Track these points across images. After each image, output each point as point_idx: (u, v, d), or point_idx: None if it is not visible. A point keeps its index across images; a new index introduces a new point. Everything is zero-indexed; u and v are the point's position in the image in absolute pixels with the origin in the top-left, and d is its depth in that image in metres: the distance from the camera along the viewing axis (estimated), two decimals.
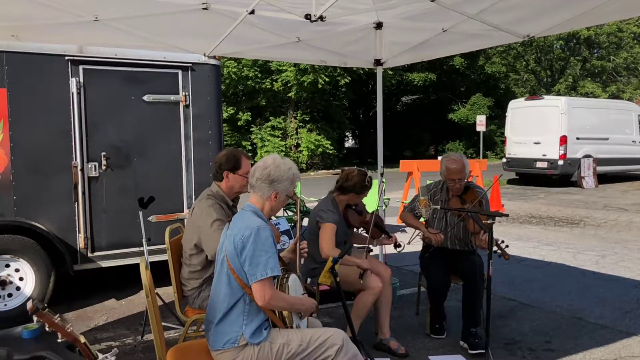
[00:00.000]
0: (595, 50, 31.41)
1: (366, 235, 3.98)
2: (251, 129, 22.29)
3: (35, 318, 1.60)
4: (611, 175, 16.67)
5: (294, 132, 22.92)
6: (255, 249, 2.32)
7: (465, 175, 3.92)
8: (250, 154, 20.93)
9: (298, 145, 22.67)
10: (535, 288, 5.39)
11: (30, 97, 4.53)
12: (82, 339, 1.70)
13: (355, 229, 4.14)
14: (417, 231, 4.18)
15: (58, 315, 1.65)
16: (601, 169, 15.52)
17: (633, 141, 16.45)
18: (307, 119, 23.10)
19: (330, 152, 22.89)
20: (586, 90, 29.02)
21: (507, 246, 3.48)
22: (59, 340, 1.69)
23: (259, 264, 2.31)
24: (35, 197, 4.58)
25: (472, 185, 4.09)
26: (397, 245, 3.95)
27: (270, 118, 22.58)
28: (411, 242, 4.29)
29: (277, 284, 2.44)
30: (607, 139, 15.63)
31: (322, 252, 3.65)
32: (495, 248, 3.49)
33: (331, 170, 22.26)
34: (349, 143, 34.08)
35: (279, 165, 2.50)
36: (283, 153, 21.57)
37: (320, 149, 22.29)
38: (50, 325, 1.60)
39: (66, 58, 4.64)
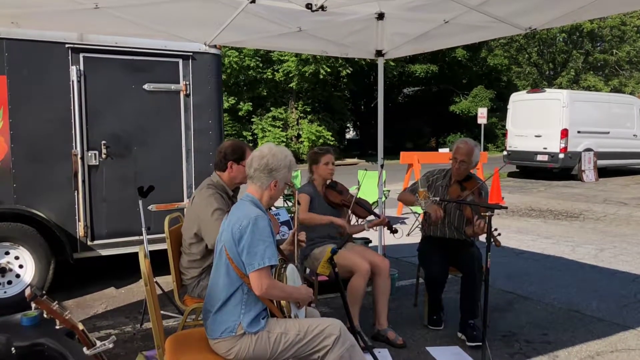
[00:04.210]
0: (598, 44, 31.28)
1: (357, 216, 4.12)
2: (252, 119, 22.27)
3: (33, 305, 1.60)
4: (612, 169, 16.67)
5: (295, 122, 22.89)
6: (253, 238, 2.32)
7: (471, 160, 3.95)
8: (250, 145, 20.88)
9: (299, 136, 22.65)
10: (533, 281, 5.40)
11: (30, 85, 4.52)
12: (80, 326, 1.71)
13: (346, 210, 4.17)
14: (416, 222, 4.19)
15: (56, 302, 1.66)
16: (602, 162, 15.51)
17: (634, 135, 16.42)
18: (309, 109, 23.06)
19: (331, 143, 22.86)
20: (588, 83, 28.93)
21: (499, 234, 3.51)
22: (58, 328, 1.70)
23: (257, 253, 2.31)
24: (35, 185, 4.58)
25: (474, 176, 4.12)
26: (392, 230, 3.98)
27: (272, 108, 22.54)
28: (410, 233, 4.32)
29: (275, 274, 2.44)
30: (608, 132, 15.60)
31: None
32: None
33: None
34: (350, 134, 34.04)
35: (276, 154, 2.49)
36: (284, 144, 21.56)
37: (321, 140, 22.27)
38: (48, 312, 1.61)
39: (66, 46, 4.63)
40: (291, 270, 2.55)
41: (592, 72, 30.89)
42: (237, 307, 2.39)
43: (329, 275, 3.55)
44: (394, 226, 3.99)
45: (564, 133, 14.57)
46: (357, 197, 4.05)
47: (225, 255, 2.39)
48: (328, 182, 4.15)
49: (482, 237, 3.63)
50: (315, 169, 4.09)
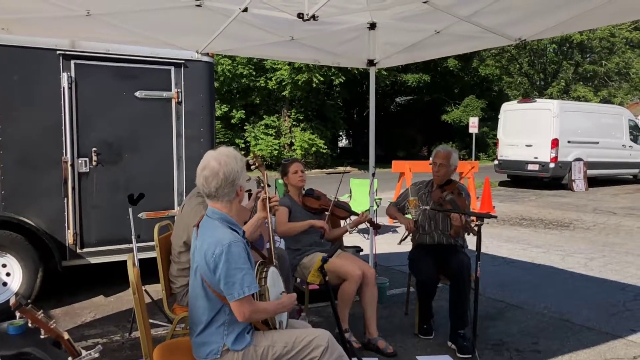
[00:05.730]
0: (588, 55, 31.62)
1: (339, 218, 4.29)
2: (245, 127, 22.26)
3: (18, 314, 1.58)
4: (601, 179, 16.80)
5: (288, 130, 22.90)
6: (229, 267, 2.20)
7: (449, 164, 4.10)
8: (243, 153, 20.88)
9: (292, 144, 22.65)
10: (523, 290, 5.42)
11: (20, 91, 4.50)
12: (66, 335, 1.69)
13: (326, 214, 4.23)
14: (407, 232, 4.22)
15: (41, 311, 1.64)
16: (591, 172, 15.64)
17: (623, 145, 16.59)
18: (301, 117, 23.09)
19: (324, 151, 22.89)
20: (578, 94, 29.18)
21: (476, 225, 3.60)
22: (44, 337, 1.68)
23: (235, 283, 2.20)
24: (24, 192, 4.54)
25: (454, 181, 4.22)
26: (375, 226, 4.07)
27: (264, 116, 22.54)
28: (402, 242, 4.34)
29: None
30: (597, 142, 15.75)
31: (277, 231, 3.98)
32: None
33: (324, 170, 22.26)
34: (343, 143, 34.11)
35: (227, 162, 2.31)
36: (277, 152, 21.56)
37: (313, 148, 22.29)
38: (33, 321, 1.59)
39: (57, 52, 4.61)
40: (272, 276, 2.50)
41: (582, 83, 31.17)
42: (220, 329, 2.32)
43: (320, 283, 3.55)
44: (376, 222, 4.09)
45: (555, 143, 14.69)
46: (336, 199, 4.15)
47: (201, 278, 2.30)
48: (304, 190, 4.22)
49: (472, 246, 3.64)
50: (287, 180, 4.17)
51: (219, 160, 2.31)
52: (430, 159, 4.25)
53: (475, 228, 3.60)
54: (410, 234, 4.20)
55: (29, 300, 1.59)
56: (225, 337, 2.32)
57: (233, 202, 2.38)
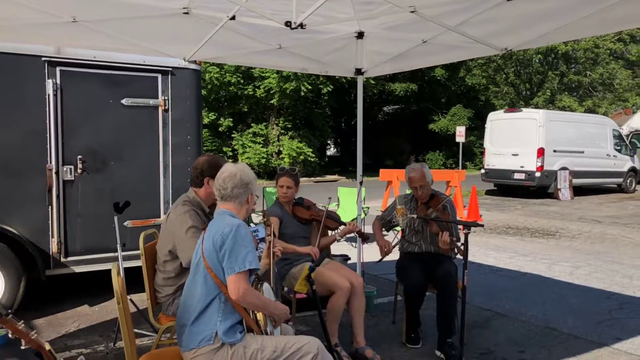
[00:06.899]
0: (573, 65, 32.13)
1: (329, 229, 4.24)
2: (232, 135, 22.20)
3: None
4: (586, 188, 17.00)
5: (276, 139, 22.89)
6: (235, 243, 2.35)
7: (426, 182, 4.11)
8: (230, 161, 20.80)
9: (280, 152, 22.63)
10: (510, 298, 5.44)
11: (4, 98, 4.45)
12: (47, 346, 1.66)
13: (316, 224, 4.19)
14: (395, 239, 4.22)
15: (22, 321, 1.61)
16: (577, 181, 15.82)
17: (607, 155, 16.82)
18: (289, 126, 23.10)
19: (312, 159, 22.88)
20: (563, 104, 29.59)
21: (462, 244, 3.62)
22: (24, 347, 1.65)
23: (238, 257, 2.34)
24: (7, 200, 4.48)
25: (437, 193, 4.24)
26: (364, 237, 4.06)
27: (252, 124, 22.52)
28: (390, 251, 4.33)
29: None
30: (582, 152, 15.96)
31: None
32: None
33: (312, 178, 22.26)
34: (331, 151, 34.15)
35: (243, 169, 2.58)
36: (265, 160, 21.53)
37: (302, 157, 22.28)
38: (13, 332, 1.56)
39: (43, 59, 4.57)
40: (266, 289, 2.54)
41: (567, 93, 31.63)
42: (214, 315, 2.37)
43: (307, 292, 3.53)
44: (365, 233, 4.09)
45: (540, 152, 14.85)
46: (326, 210, 4.12)
47: (203, 266, 2.40)
48: (294, 199, 4.15)
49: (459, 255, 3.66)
50: (279, 189, 4.12)
51: (236, 166, 2.60)
52: (408, 184, 4.21)
53: (462, 248, 3.60)
54: (384, 258, 4.16)
55: (9, 310, 1.55)
56: (219, 323, 2.36)
57: (242, 207, 2.57)
